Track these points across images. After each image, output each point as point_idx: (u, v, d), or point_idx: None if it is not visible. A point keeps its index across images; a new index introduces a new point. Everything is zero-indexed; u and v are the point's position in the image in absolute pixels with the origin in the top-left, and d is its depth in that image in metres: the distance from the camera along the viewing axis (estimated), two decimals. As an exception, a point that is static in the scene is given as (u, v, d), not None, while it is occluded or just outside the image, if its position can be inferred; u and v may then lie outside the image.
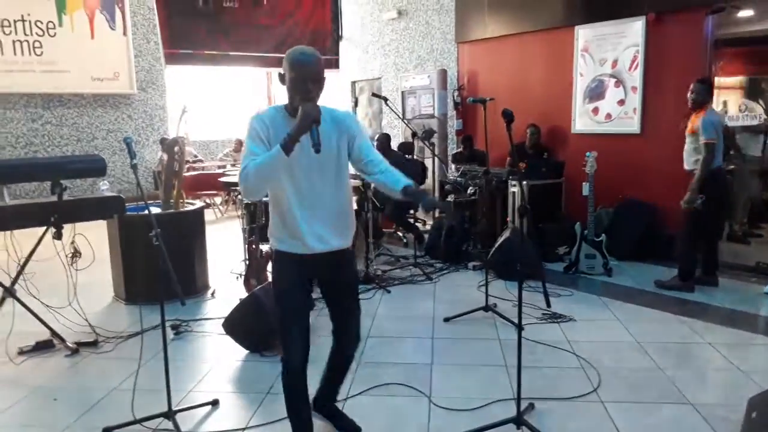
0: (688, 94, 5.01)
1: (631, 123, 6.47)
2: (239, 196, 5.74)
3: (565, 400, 3.24)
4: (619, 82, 6.53)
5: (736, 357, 3.76)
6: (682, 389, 3.33)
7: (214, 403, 3.26)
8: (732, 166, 6.83)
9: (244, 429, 3.00)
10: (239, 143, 11.34)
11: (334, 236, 2.48)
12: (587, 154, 5.73)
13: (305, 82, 2.31)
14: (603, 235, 5.75)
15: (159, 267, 2.83)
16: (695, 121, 4.93)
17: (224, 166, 10.77)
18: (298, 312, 2.51)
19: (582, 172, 5.86)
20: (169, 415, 2.97)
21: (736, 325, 4.33)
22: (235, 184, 9.21)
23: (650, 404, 3.18)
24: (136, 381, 3.14)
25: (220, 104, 12.29)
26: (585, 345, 4.00)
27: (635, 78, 6.37)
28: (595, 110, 6.79)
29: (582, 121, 6.94)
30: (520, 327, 2.90)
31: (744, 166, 6.76)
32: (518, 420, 2.86)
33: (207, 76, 11.87)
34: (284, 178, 2.35)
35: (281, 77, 2.39)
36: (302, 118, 2.20)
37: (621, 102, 6.54)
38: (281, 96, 13.22)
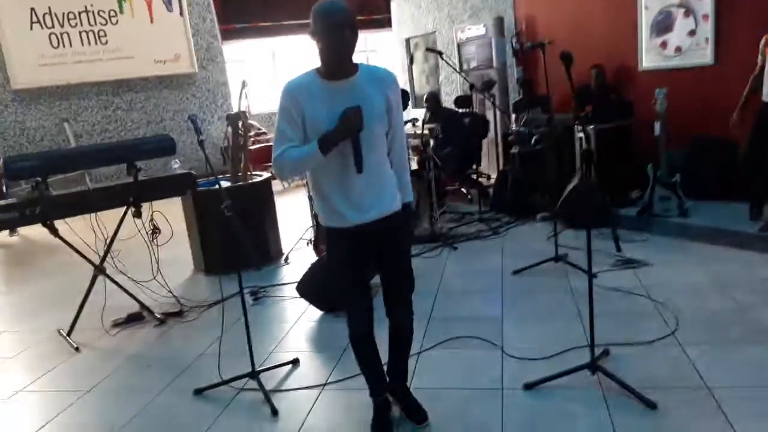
0: None
1: (703, 54, 6.08)
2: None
3: (641, 345, 3.19)
4: (689, 11, 6.13)
5: (828, 293, 3.57)
6: (767, 329, 3.20)
7: (295, 363, 3.42)
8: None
9: (324, 385, 3.14)
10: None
11: (375, 204, 2.36)
12: (657, 90, 5.45)
13: (342, 29, 2.13)
14: (677, 175, 5.50)
15: (233, 237, 2.95)
16: None
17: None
18: (354, 284, 2.50)
19: (650, 111, 5.60)
20: (254, 374, 3.13)
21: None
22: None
23: (733, 344, 3.09)
24: (221, 346, 3.31)
25: (280, 76, 12.42)
26: (661, 289, 3.90)
27: (706, 5, 5.95)
28: (664, 44, 6.42)
29: (649, 57, 6.58)
30: (590, 273, 2.86)
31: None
32: (593, 365, 2.84)
33: (265, 48, 12.00)
34: None
35: (312, 34, 2.20)
36: (344, 125, 2.16)
37: (692, 33, 6.14)
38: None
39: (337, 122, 2.17)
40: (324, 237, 2.52)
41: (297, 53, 12.69)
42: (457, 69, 7.12)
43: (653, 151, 5.65)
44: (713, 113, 6.03)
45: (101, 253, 4.24)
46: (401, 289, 2.58)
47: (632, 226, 5.29)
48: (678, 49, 6.30)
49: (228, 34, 9.16)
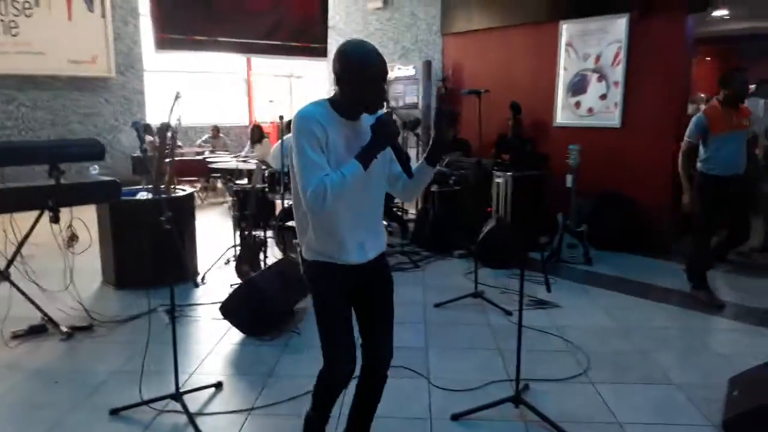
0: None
1: (612, 117, 6.66)
2: (229, 183, 5.75)
3: (558, 381, 3.39)
4: (602, 77, 6.71)
5: (713, 341, 3.96)
6: (666, 371, 3.51)
7: (218, 386, 3.32)
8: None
9: (250, 409, 3.07)
10: (216, 130, 11.26)
11: (374, 243, 2.30)
12: (570, 146, 5.90)
13: (380, 83, 2.09)
14: (584, 225, 5.94)
15: (166, 251, 2.88)
16: None
17: (202, 153, 10.71)
18: (347, 328, 2.28)
19: (563, 163, 6.03)
20: (177, 396, 3.02)
21: (712, 311, 4.55)
22: (215, 171, 9.24)
23: (637, 385, 3.36)
24: (144, 362, 3.17)
25: (198, 90, 12.16)
26: (571, 330, 4.17)
27: (617, 73, 6.56)
28: (578, 104, 6.97)
29: (564, 114, 7.11)
30: (521, 310, 3.04)
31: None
32: (517, 399, 2.99)
33: (185, 61, 11.72)
34: None
35: (339, 78, 2.11)
36: (384, 133, 2.07)
37: (603, 96, 6.72)
38: (260, 83, 13.19)
39: (373, 133, 2.09)
40: (315, 275, 2.28)
41: (218, 70, 12.55)
42: (389, 106, 7.28)
43: (562, 201, 6.07)
44: (618, 171, 6.60)
45: (9, 258, 3.95)
46: (387, 332, 2.42)
47: (541, 270, 5.61)
48: (590, 110, 6.85)
49: (163, 43, 8.89)
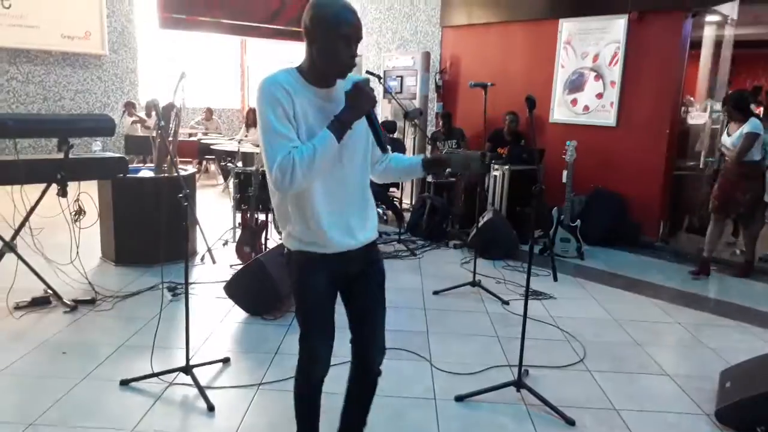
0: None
1: (607, 116, 6.79)
2: (229, 165, 5.77)
3: (556, 368, 3.50)
4: (599, 76, 6.83)
5: (703, 336, 4.10)
6: (659, 362, 3.64)
7: (226, 361, 3.38)
8: (692, 163, 7.28)
9: (259, 384, 3.14)
10: (209, 112, 11.22)
11: (361, 228, 2.06)
12: (568, 143, 6.02)
13: (350, 44, 1.86)
14: (578, 220, 6.06)
15: (182, 227, 2.92)
16: None
17: (195, 134, 10.68)
18: (326, 322, 2.10)
19: (558, 159, 6.15)
20: (187, 369, 3.08)
21: (700, 307, 4.71)
22: (211, 153, 9.22)
23: (632, 374, 3.48)
24: (156, 334, 3.21)
25: (192, 72, 12.09)
26: (567, 320, 4.28)
27: (614, 73, 6.68)
28: (574, 101, 7.09)
29: (560, 111, 7.23)
30: (527, 298, 3.13)
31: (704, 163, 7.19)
32: (518, 383, 3.09)
33: (181, 42, 11.64)
34: None
35: (309, 33, 1.88)
36: (358, 100, 1.86)
37: (599, 95, 6.84)
38: (255, 67, 13.13)
39: (346, 101, 1.88)
40: (296, 263, 2.06)
41: (212, 52, 12.48)
42: (392, 94, 7.34)
43: (557, 196, 6.19)
44: (611, 169, 6.74)
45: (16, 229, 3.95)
46: (379, 326, 2.22)
47: (534, 263, 5.69)
48: (586, 108, 6.98)
49: (166, 22, 8.84)
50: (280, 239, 5.21)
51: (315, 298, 2.07)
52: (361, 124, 1.96)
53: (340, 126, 1.85)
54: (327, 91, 1.95)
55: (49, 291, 4.08)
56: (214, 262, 3.10)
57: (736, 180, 5.26)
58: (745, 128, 5.09)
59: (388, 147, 2.08)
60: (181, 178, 2.97)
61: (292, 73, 1.92)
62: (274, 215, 5.71)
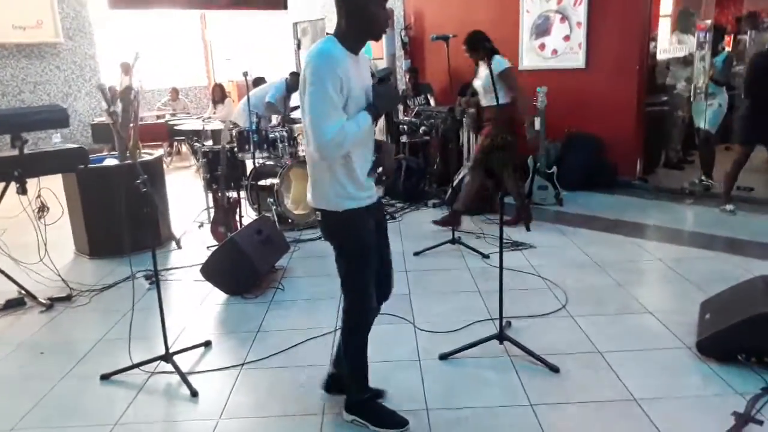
0: None
1: (576, 58, 6.69)
2: (196, 145, 5.65)
3: (538, 317, 3.51)
4: (564, 18, 6.70)
5: (683, 269, 4.12)
6: (641, 300, 3.66)
7: (207, 344, 3.35)
8: (665, 98, 7.23)
9: (242, 365, 3.11)
10: (175, 92, 10.97)
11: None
12: (538, 89, 5.93)
13: (384, 6, 2.15)
14: (554, 167, 6.03)
15: (142, 215, 2.85)
16: None
17: (163, 116, 10.44)
18: (375, 267, 2.40)
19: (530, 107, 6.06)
20: (167, 357, 3.04)
21: (680, 241, 4.73)
22: (179, 134, 9.03)
23: (614, 315, 3.49)
24: (131, 325, 3.15)
25: (153, 52, 11.77)
26: (548, 268, 4.28)
27: (580, 14, 6.56)
28: (542, 46, 6.97)
29: (529, 58, 7.11)
30: (501, 248, 3.09)
31: (676, 97, 7.14)
32: (501, 336, 3.09)
33: (138, 23, 11.29)
34: None
35: (346, 3, 2.11)
36: (389, 96, 2.24)
37: (566, 38, 6.73)
38: (217, 42, 12.78)
39: (375, 95, 2.19)
40: (352, 221, 2.28)
41: (172, 30, 12.13)
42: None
43: (532, 145, 6.13)
44: (584, 112, 6.68)
45: (-21, 233, 3.85)
46: (391, 267, 2.58)
47: (513, 213, 5.71)
48: (554, 52, 6.87)
49: (116, 2, 8.53)
50: (257, 216, 5.15)
51: (371, 241, 2.33)
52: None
53: (375, 113, 2.17)
54: (356, 57, 2.18)
55: (23, 292, 4.00)
56: (179, 247, 3.02)
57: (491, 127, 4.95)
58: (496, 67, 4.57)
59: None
60: (137, 165, 2.88)
61: (335, 43, 2.11)
62: (247, 192, 5.62)
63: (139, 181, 2.81)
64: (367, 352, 2.50)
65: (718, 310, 3.08)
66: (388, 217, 5.75)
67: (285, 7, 10.07)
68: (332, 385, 2.70)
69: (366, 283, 2.36)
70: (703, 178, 6.23)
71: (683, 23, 7.54)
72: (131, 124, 5.00)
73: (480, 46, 4.75)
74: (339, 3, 2.13)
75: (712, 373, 2.80)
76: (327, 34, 5.06)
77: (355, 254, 2.33)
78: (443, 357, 3.06)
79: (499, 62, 4.75)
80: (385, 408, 2.55)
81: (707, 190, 6.11)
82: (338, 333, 3.17)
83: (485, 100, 4.99)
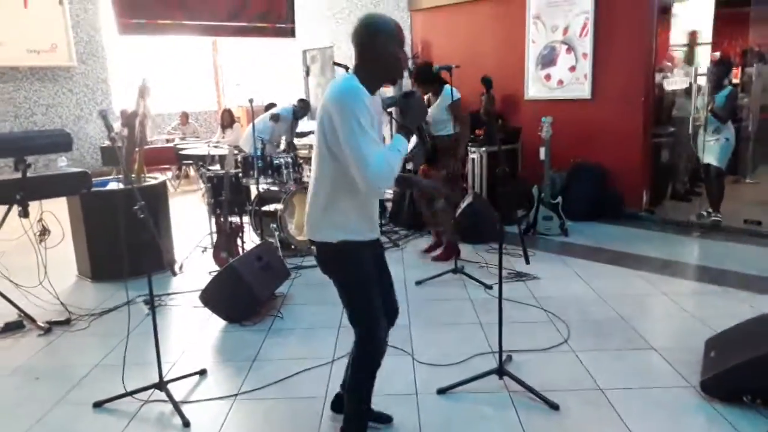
0: None
1: (582, 89, 6.70)
2: (202, 169, 5.67)
3: (539, 351, 3.44)
4: (570, 49, 6.73)
5: (689, 305, 4.06)
6: (645, 336, 3.59)
7: (202, 373, 3.31)
8: (672, 129, 7.21)
9: (236, 395, 3.06)
10: (185, 116, 11.06)
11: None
12: (543, 119, 5.93)
13: (403, 48, 2.23)
14: (559, 197, 6.00)
15: (142, 240, 2.83)
16: None
17: (173, 140, 10.52)
18: (380, 300, 2.41)
19: (536, 136, 6.06)
20: (161, 385, 3.00)
21: (686, 276, 4.66)
22: (187, 158, 9.09)
23: (617, 351, 3.42)
24: (126, 353, 3.13)
25: (164, 76, 11.92)
26: (551, 300, 4.23)
27: (586, 45, 6.59)
28: (548, 76, 6.99)
29: (535, 88, 7.14)
30: (501, 283, 3.06)
31: (682, 128, 7.12)
32: (500, 371, 3.03)
33: (150, 47, 11.46)
34: None
35: (368, 46, 2.18)
36: (418, 110, 2.24)
37: (572, 68, 6.75)
38: (228, 67, 12.93)
39: (406, 109, 2.22)
40: (350, 254, 2.31)
41: (183, 55, 12.30)
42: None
43: (537, 174, 6.12)
44: (589, 142, 6.67)
45: (-21, 255, 3.86)
46: (394, 294, 2.63)
47: (517, 244, 5.65)
48: (560, 82, 6.89)
49: (126, 28, 8.66)
50: (261, 241, 5.13)
51: (370, 272, 2.35)
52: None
53: (406, 133, 2.19)
54: (372, 97, 2.20)
55: (22, 315, 3.99)
56: (174, 274, 2.99)
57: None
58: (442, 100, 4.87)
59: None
60: (136, 190, 2.87)
61: (356, 79, 2.16)
62: (251, 217, 5.61)
63: (136, 207, 2.80)
64: (372, 390, 2.49)
65: (724, 348, 3.02)
66: (390, 244, 5.75)
67: (293, 35, 10.20)
68: (340, 407, 2.70)
69: (375, 312, 2.36)
70: (710, 210, 6.15)
71: (688, 55, 7.57)
72: (137, 149, 5.02)
73: (430, 78, 4.95)
74: (358, 46, 2.19)
75: (716, 415, 2.73)
76: (334, 63, 5.11)
77: (352, 285, 2.35)
78: (441, 391, 3.01)
79: (450, 92, 4.81)
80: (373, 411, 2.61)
81: (716, 226, 5.98)
82: (336, 362, 3.15)
83: (434, 130, 4.98)
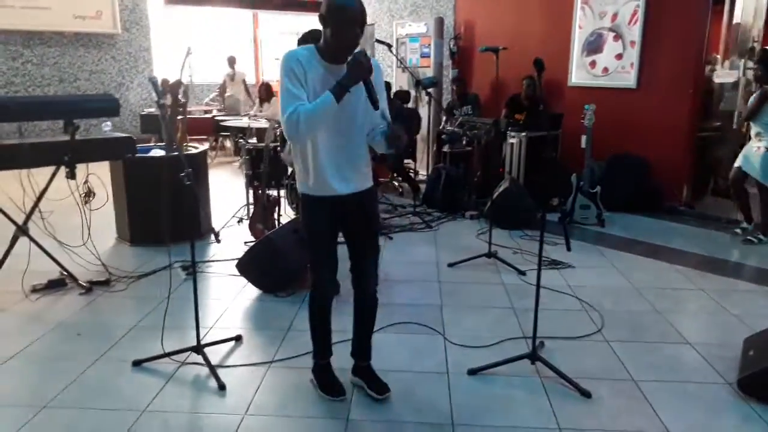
0: None
1: (627, 77, 6.55)
2: (241, 141, 5.72)
3: (573, 339, 3.43)
4: (618, 36, 6.58)
5: (727, 302, 3.98)
6: (680, 331, 3.54)
7: (238, 339, 3.37)
8: (718, 123, 7.01)
9: (270, 362, 3.12)
10: (232, 60, 11.01)
11: (357, 178, 2.55)
12: (586, 106, 5.82)
13: (354, 25, 2.32)
14: (598, 186, 5.91)
15: (184, 207, 2.89)
16: None
17: (210, 111, 10.61)
18: (328, 252, 2.63)
19: (577, 124, 5.97)
20: (198, 349, 3.07)
21: (725, 273, 4.57)
22: (225, 129, 9.19)
23: (652, 343, 3.38)
24: (165, 316, 3.21)
25: (204, 47, 11.99)
26: (585, 289, 4.19)
27: (634, 33, 6.43)
28: (593, 63, 6.86)
29: (579, 74, 7.00)
30: (540, 269, 3.03)
31: (727, 123, 6.92)
32: (533, 355, 3.03)
33: (192, 18, 11.55)
34: None
35: (322, 19, 2.34)
36: (355, 68, 2.27)
37: (619, 56, 6.60)
38: (267, 40, 12.96)
39: (347, 69, 2.29)
40: (304, 205, 2.58)
41: (224, 27, 12.35)
42: (404, 64, 7.20)
43: (576, 162, 6.03)
44: (632, 132, 6.54)
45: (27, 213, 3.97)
46: (369, 259, 2.73)
47: (553, 231, 5.60)
48: (605, 70, 6.75)
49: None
50: (295, 215, 5.18)
51: (319, 233, 2.59)
52: (362, 94, 2.36)
53: (339, 89, 2.28)
54: (339, 67, 2.35)
55: (65, 273, 4.11)
56: (218, 241, 3.05)
57: None
58: None
59: (380, 104, 2.38)
60: (183, 157, 2.92)
61: (310, 50, 2.38)
62: (287, 191, 5.67)
63: (183, 174, 2.84)
64: (323, 326, 2.80)
65: (763, 348, 2.96)
66: (423, 225, 5.75)
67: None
68: (355, 371, 2.92)
69: (316, 262, 2.66)
70: (747, 226, 5.48)
71: (738, 47, 7.32)
72: (179, 117, 5.09)
73: None
74: (321, 21, 2.36)
75: (752, 413, 2.69)
76: (376, 41, 5.08)
77: (306, 237, 2.65)
78: (472, 372, 3.01)
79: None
80: (331, 376, 2.85)
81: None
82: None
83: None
